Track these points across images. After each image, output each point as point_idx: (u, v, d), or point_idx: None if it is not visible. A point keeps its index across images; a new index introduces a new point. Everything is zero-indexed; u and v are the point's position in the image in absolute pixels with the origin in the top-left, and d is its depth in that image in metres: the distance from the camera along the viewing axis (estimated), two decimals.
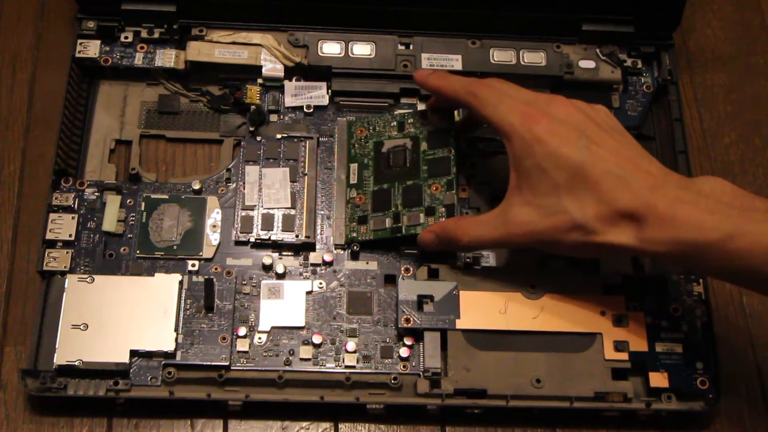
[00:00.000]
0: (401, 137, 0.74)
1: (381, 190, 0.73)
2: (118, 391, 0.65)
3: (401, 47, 0.79)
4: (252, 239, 0.71)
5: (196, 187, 0.73)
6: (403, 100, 0.78)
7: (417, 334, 0.69)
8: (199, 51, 0.77)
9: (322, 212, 0.73)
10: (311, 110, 0.77)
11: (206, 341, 0.67)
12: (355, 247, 0.71)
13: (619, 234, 0.60)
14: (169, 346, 0.66)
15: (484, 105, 0.66)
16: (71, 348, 0.65)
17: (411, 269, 0.71)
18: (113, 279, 0.69)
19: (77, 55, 0.77)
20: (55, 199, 0.71)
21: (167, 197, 0.72)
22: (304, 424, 0.68)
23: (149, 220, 0.71)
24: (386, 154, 0.74)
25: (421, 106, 0.78)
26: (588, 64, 0.79)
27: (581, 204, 0.61)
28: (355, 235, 0.72)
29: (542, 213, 0.62)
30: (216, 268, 0.70)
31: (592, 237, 0.61)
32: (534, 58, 0.79)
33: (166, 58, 0.77)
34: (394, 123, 0.75)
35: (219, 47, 0.77)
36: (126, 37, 0.77)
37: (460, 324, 0.68)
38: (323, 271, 0.71)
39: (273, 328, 0.69)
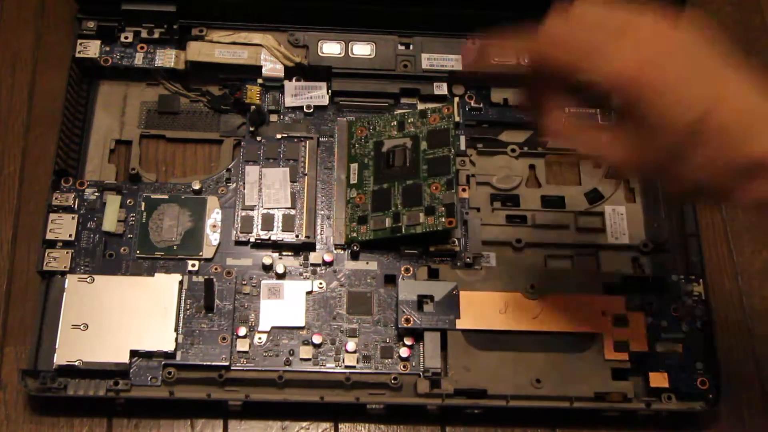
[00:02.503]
0: (401, 137, 0.75)
1: (381, 190, 0.73)
2: (118, 392, 0.65)
3: (401, 47, 0.79)
4: (252, 239, 0.71)
5: (196, 187, 0.73)
6: (403, 100, 0.78)
7: (417, 334, 0.69)
8: (199, 51, 0.77)
9: (322, 212, 0.73)
10: (311, 110, 0.77)
11: (206, 341, 0.67)
12: (355, 247, 0.71)
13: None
14: (169, 346, 0.66)
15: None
16: (71, 348, 0.65)
17: (411, 269, 0.71)
18: (113, 279, 0.69)
19: (77, 55, 0.76)
20: (55, 199, 0.71)
21: (167, 197, 0.72)
22: (304, 424, 0.68)
23: (149, 220, 0.71)
24: (386, 154, 0.74)
25: (421, 106, 0.78)
26: None
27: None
28: (354, 235, 0.72)
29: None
30: (216, 268, 0.70)
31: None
32: None
33: (166, 58, 0.77)
34: (394, 123, 0.75)
35: (219, 47, 0.77)
36: (126, 37, 0.77)
37: (460, 324, 0.68)
38: (323, 271, 0.71)
39: (273, 328, 0.69)
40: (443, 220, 0.70)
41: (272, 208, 0.72)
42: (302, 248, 0.72)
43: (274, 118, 0.77)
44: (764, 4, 0.89)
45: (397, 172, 0.73)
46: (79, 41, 0.77)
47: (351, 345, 0.68)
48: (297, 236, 0.71)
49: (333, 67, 0.78)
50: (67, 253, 0.69)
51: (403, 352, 0.68)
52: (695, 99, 0.53)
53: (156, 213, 0.72)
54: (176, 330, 0.67)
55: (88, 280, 0.68)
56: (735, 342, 0.73)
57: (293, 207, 0.72)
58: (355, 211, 0.73)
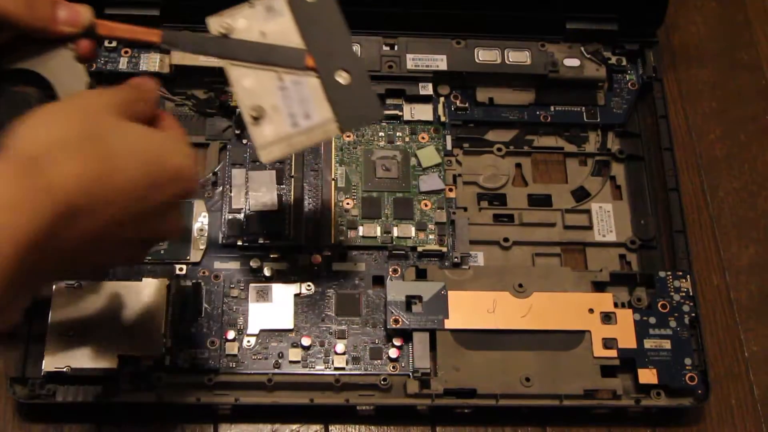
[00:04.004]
0: (391, 149, 0.75)
1: (371, 198, 0.73)
2: (107, 397, 0.65)
3: (386, 48, 0.79)
4: (239, 242, 0.71)
5: None
6: (389, 101, 0.78)
7: (406, 335, 0.69)
8: (183, 55, 0.77)
9: (310, 214, 0.73)
10: None
11: (195, 345, 0.67)
12: (342, 249, 0.71)
13: None
14: (157, 351, 0.66)
15: None
16: (59, 354, 0.65)
17: (399, 270, 0.71)
18: (100, 284, 0.68)
19: None
20: None
21: None
22: (295, 426, 0.68)
23: None
24: (375, 163, 0.74)
25: (407, 109, 0.77)
26: (573, 62, 0.79)
27: None
28: (343, 238, 0.72)
29: None
30: (204, 272, 0.70)
31: None
32: (519, 57, 0.79)
33: (151, 62, 0.77)
34: (383, 134, 0.76)
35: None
36: (110, 42, 0.77)
37: (449, 324, 0.68)
38: (311, 274, 0.71)
39: (262, 331, 0.69)
40: (433, 237, 0.71)
41: (259, 211, 0.72)
42: (290, 251, 0.72)
43: None
44: (747, 0, 0.89)
45: (387, 182, 0.74)
46: None
47: (340, 347, 0.68)
48: (285, 239, 0.71)
49: None
50: None
51: (392, 352, 0.68)
52: None
53: None
54: (164, 335, 0.67)
55: (75, 285, 0.68)
56: (723, 337, 0.73)
57: (280, 209, 0.72)
58: (344, 216, 0.73)
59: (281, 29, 0.56)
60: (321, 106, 0.56)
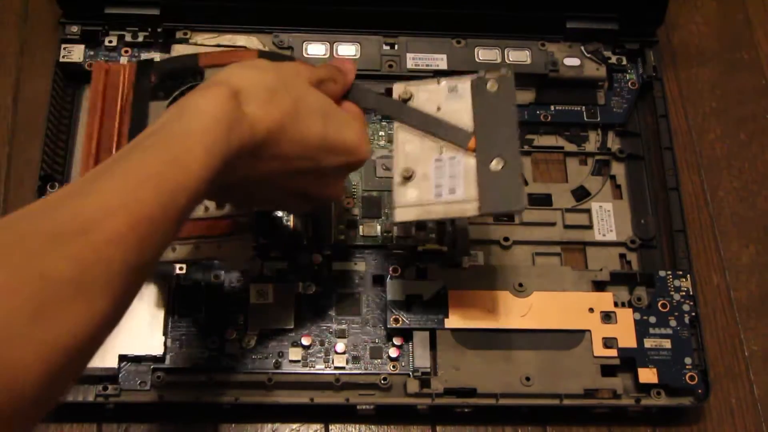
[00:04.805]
0: (391, 148, 0.75)
1: (371, 197, 0.73)
2: (107, 396, 0.65)
3: (386, 47, 0.79)
4: None
5: None
6: None
7: (406, 334, 0.69)
8: (185, 49, 0.76)
9: (310, 214, 0.73)
10: None
11: (195, 345, 0.67)
12: (343, 249, 0.71)
13: None
14: (157, 350, 0.66)
15: None
16: None
17: (399, 269, 0.71)
18: None
19: (61, 59, 0.76)
20: None
21: None
22: (295, 426, 0.68)
23: None
24: (375, 162, 0.74)
25: None
26: (573, 61, 0.79)
27: None
28: (343, 237, 0.72)
29: None
30: (204, 271, 0.70)
31: None
32: (519, 56, 0.79)
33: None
34: (383, 133, 0.76)
35: (203, 50, 0.77)
36: (110, 41, 0.77)
37: (449, 323, 0.68)
38: (311, 273, 0.71)
39: (262, 330, 0.69)
40: (433, 236, 0.71)
41: (260, 210, 0.72)
42: (290, 250, 0.71)
43: None
44: (747, 0, 0.89)
45: (386, 183, 0.74)
46: (63, 46, 0.77)
47: (340, 346, 0.68)
48: (285, 238, 0.71)
49: None
50: None
51: (393, 352, 0.68)
52: None
53: None
54: (165, 334, 0.67)
55: None
56: (723, 337, 0.73)
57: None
58: (344, 215, 0.73)
59: (457, 109, 0.60)
60: (468, 185, 0.57)
